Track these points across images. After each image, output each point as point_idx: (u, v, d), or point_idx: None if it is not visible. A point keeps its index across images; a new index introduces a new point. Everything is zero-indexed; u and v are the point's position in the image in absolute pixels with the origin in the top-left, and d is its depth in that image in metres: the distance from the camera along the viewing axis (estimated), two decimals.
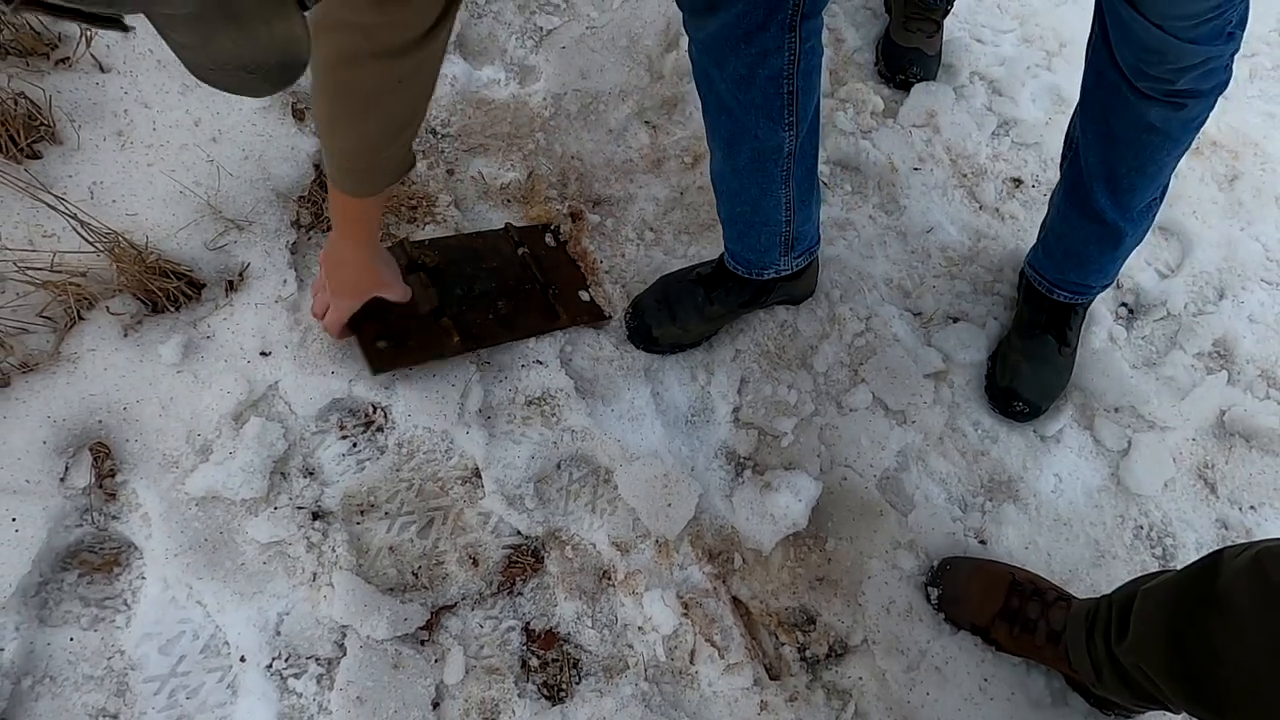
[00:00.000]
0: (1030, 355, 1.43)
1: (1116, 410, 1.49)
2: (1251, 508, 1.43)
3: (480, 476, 1.27)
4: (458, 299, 1.36)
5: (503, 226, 1.47)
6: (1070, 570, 1.34)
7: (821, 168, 1.64)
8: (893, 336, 1.48)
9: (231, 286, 1.32)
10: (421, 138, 1.56)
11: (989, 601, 1.22)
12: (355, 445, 1.27)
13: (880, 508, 1.34)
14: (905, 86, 1.76)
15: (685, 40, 1.72)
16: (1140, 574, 1.35)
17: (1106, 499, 1.41)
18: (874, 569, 1.28)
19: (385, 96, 0.97)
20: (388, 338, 1.28)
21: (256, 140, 1.45)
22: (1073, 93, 1.79)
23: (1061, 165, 1.36)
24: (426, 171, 1.52)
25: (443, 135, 1.57)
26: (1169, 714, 1.12)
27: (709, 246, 1.53)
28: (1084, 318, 1.49)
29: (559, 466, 1.31)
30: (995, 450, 1.42)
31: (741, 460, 1.36)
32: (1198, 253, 1.65)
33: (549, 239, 1.49)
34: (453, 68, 1.62)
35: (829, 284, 1.51)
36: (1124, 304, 1.60)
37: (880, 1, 1.87)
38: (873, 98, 1.72)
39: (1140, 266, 1.62)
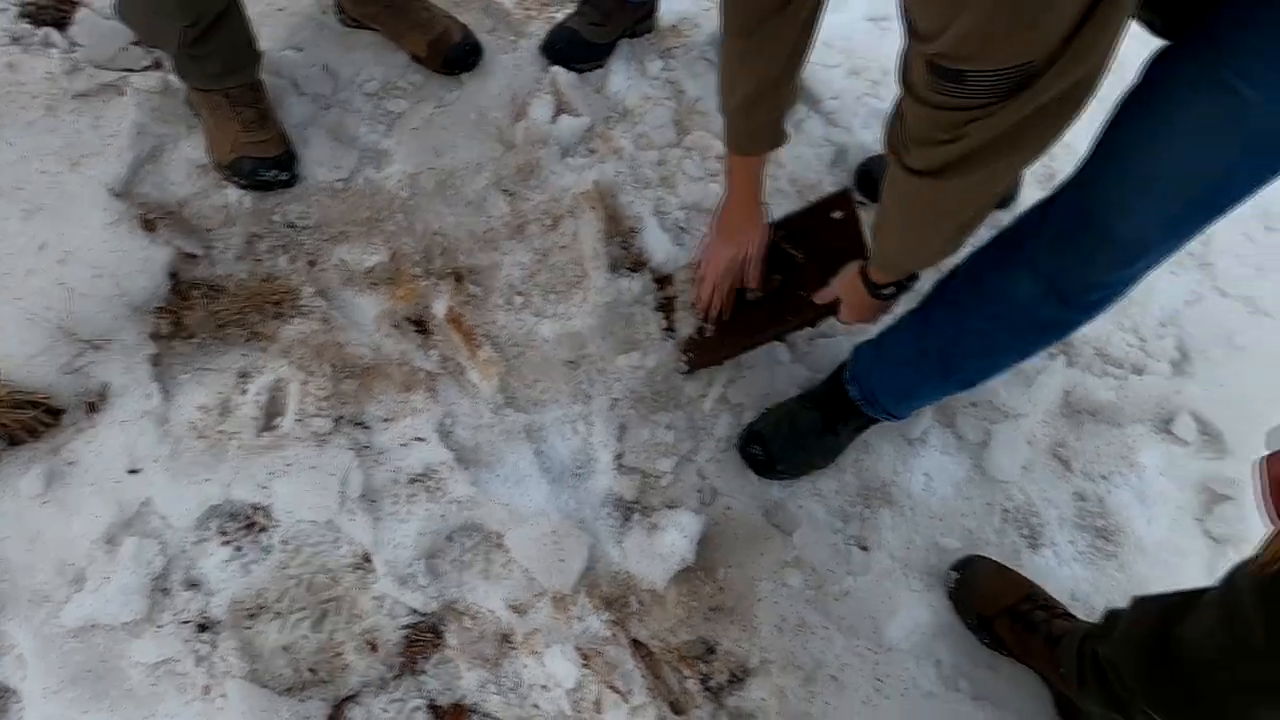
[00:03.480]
0: (794, 421, 1.42)
1: (974, 405, 1.59)
2: (1103, 477, 1.55)
3: (370, 561, 1.27)
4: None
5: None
6: (947, 563, 1.42)
7: (676, 213, 1.73)
8: (760, 363, 1.56)
9: (93, 408, 1.31)
10: (279, 233, 1.58)
11: (1004, 596, 1.31)
12: (239, 549, 1.27)
13: (766, 532, 1.40)
14: None
15: (533, 108, 1.81)
16: (1010, 555, 1.44)
17: (974, 489, 1.51)
18: (764, 590, 1.34)
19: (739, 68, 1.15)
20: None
21: (108, 256, 1.44)
22: None
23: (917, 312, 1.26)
24: (288, 265, 1.54)
25: (301, 228, 1.59)
26: None
27: (577, 304, 1.58)
28: (866, 426, 1.44)
29: (449, 539, 1.33)
30: (867, 459, 1.51)
31: (628, 505, 1.41)
32: None
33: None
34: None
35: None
36: None
37: (716, 53, 1.99)
38: (716, 143, 1.82)
39: None
